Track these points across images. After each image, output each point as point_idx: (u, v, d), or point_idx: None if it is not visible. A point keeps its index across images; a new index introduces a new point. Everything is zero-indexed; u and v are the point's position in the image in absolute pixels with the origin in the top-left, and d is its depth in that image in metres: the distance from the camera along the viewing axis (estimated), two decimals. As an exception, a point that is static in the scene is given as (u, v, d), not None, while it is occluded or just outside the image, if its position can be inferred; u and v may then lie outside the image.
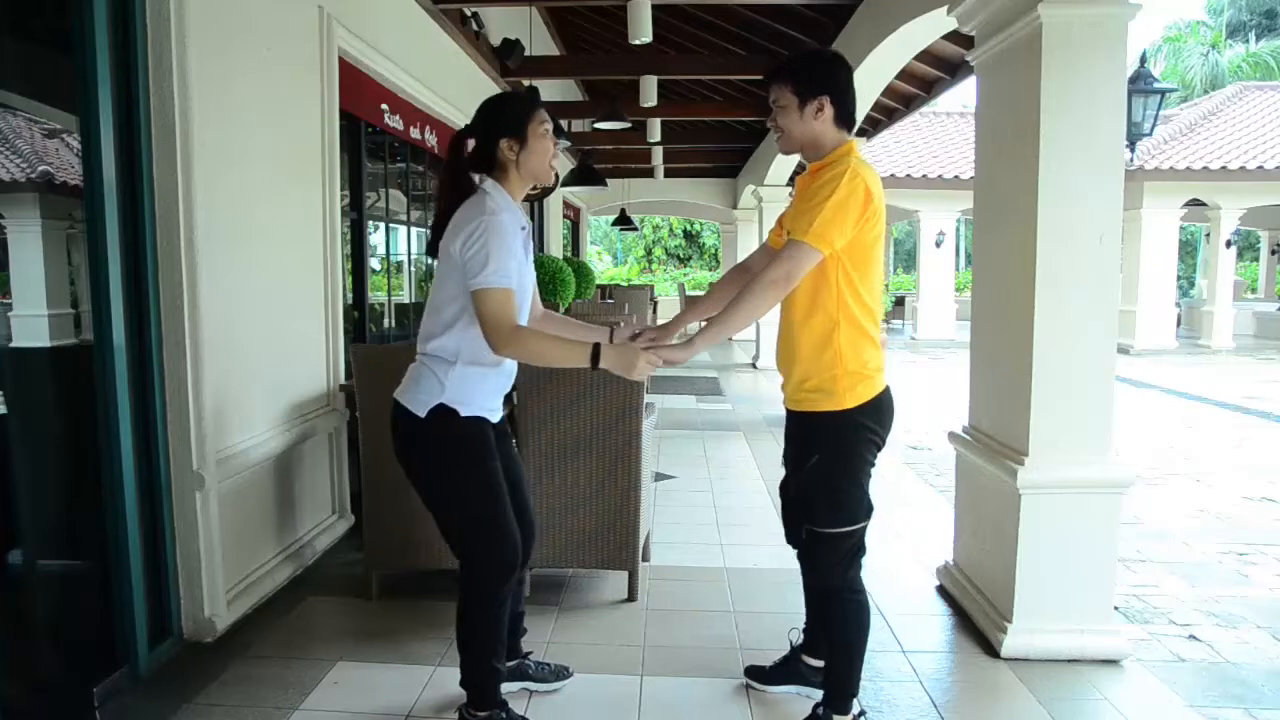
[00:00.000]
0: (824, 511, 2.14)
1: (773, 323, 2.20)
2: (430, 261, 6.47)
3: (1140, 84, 6.97)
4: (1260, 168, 13.58)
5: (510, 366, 2.21)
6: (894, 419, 2.18)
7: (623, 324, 2.35)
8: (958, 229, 18.30)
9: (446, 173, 2.16)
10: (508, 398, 2.29)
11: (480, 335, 2.02)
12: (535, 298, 2.32)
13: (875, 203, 2.02)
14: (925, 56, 5.28)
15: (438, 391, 2.06)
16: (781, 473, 2.40)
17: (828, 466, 2.13)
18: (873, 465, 2.17)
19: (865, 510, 2.16)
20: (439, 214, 2.13)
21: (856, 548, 2.18)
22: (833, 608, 2.23)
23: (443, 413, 2.06)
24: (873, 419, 2.12)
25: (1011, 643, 2.73)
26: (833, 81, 2.11)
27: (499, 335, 1.97)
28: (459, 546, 2.17)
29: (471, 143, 2.13)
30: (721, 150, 12.39)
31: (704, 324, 2.17)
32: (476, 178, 2.13)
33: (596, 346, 1.99)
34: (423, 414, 2.07)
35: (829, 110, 2.10)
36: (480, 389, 2.12)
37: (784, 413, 2.30)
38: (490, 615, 2.17)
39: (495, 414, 2.19)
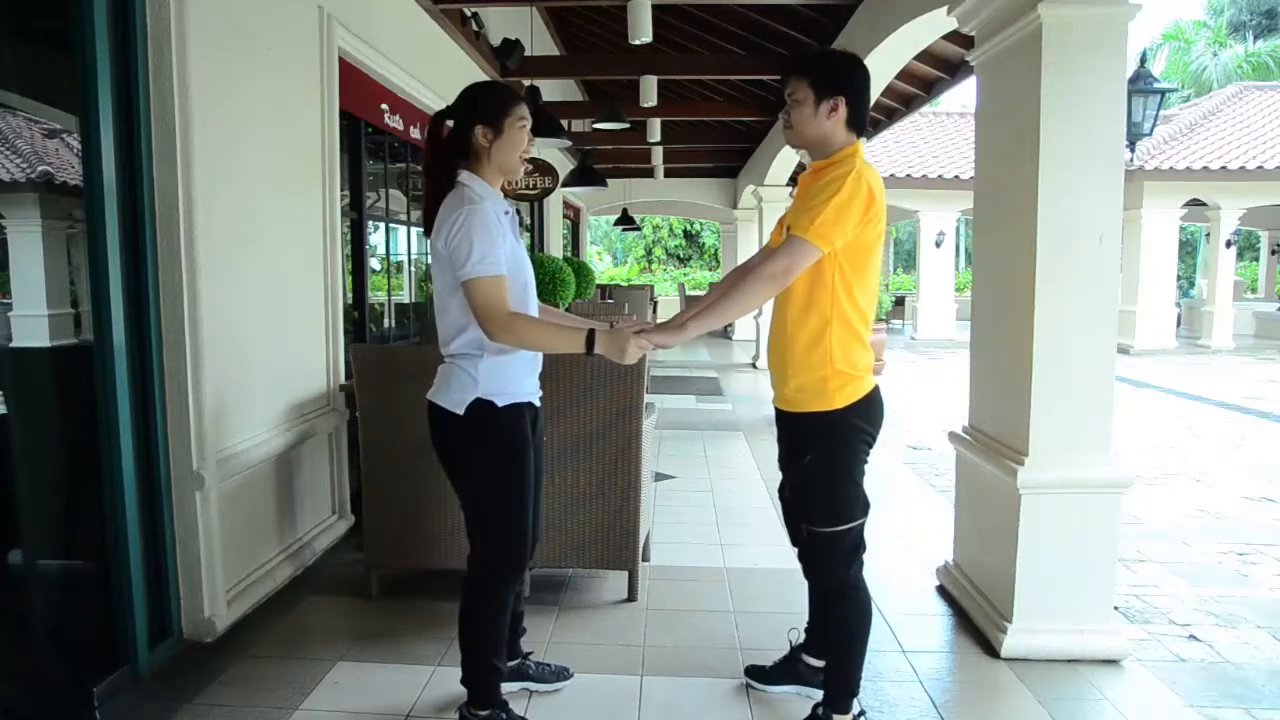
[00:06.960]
0: (820, 511, 2.15)
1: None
2: (430, 261, 6.53)
3: (1140, 84, 6.95)
4: (1260, 168, 13.58)
5: None
6: (884, 418, 2.19)
7: (622, 319, 2.37)
8: (958, 229, 18.30)
9: (431, 153, 2.16)
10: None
11: None
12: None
13: (877, 205, 2.03)
14: (925, 56, 5.27)
15: (471, 387, 2.08)
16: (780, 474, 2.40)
17: (821, 466, 2.14)
18: (865, 462, 2.18)
19: (861, 507, 2.16)
20: (428, 195, 2.15)
21: (855, 545, 2.18)
22: (833, 607, 2.24)
23: (480, 406, 2.08)
24: (863, 418, 2.14)
25: (1011, 643, 2.73)
26: (851, 83, 2.11)
27: (493, 323, 1.99)
28: (479, 539, 2.19)
29: (450, 124, 2.14)
30: (721, 150, 12.40)
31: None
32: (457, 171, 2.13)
33: (591, 331, 2.03)
34: (461, 411, 2.08)
35: (843, 111, 2.09)
36: (513, 374, 2.13)
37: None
38: (494, 613, 2.19)
39: (534, 395, 2.22)
